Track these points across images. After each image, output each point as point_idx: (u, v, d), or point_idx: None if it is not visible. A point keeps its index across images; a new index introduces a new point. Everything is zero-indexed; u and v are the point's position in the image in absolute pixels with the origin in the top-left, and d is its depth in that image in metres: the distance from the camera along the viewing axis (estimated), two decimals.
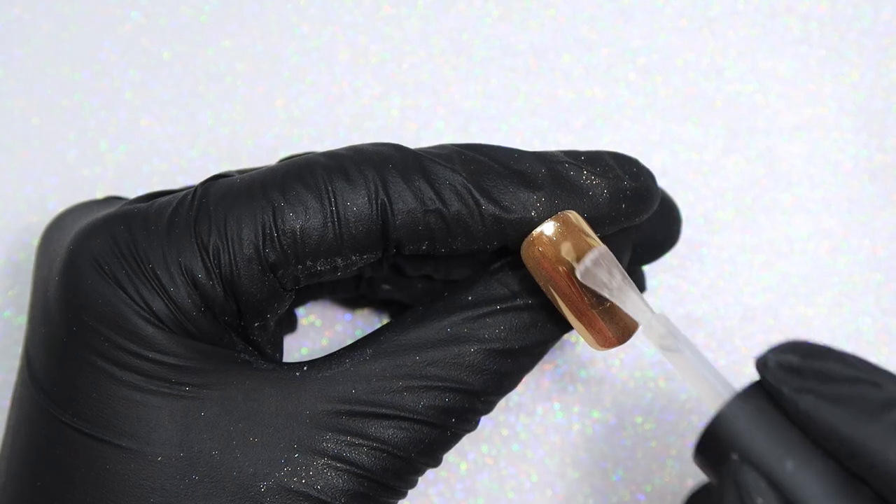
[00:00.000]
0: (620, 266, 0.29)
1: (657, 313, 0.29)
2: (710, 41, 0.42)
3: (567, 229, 0.29)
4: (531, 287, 0.30)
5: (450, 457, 0.38)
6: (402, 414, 0.28)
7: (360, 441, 0.28)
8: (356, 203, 0.28)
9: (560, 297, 0.29)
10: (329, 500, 0.28)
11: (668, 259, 0.40)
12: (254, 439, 0.28)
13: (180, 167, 0.40)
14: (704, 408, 0.39)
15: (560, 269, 0.29)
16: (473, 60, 0.41)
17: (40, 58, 0.40)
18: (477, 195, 0.29)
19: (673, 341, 0.28)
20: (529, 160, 0.30)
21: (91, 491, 0.27)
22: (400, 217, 0.28)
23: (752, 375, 0.39)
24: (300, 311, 0.39)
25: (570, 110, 0.41)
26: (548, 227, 0.29)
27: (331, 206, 0.28)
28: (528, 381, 0.39)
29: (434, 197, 0.28)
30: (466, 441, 0.38)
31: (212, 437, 0.28)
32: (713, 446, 0.26)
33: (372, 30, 0.41)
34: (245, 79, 0.41)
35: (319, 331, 0.38)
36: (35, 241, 0.39)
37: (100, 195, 0.39)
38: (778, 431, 0.25)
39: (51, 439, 0.28)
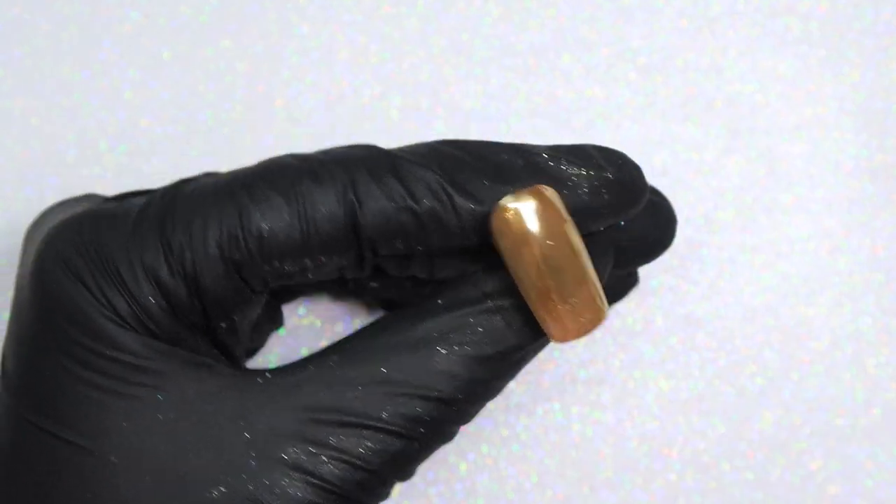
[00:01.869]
0: None
1: None
2: (710, 41, 0.42)
3: (541, 204, 0.27)
4: (506, 289, 0.29)
5: (450, 457, 0.38)
6: (367, 422, 0.28)
7: (321, 450, 0.27)
8: (324, 202, 0.28)
9: (524, 277, 0.28)
10: None
11: (668, 259, 0.40)
12: (209, 444, 0.27)
13: (180, 167, 0.40)
14: (705, 407, 0.39)
15: (526, 247, 0.27)
16: (473, 60, 0.41)
17: (40, 58, 0.40)
18: (450, 190, 0.28)
19: None
20: (507, 152, 0.29)
21: (51, 490, 0.27)
22: (370, 216, 0.28)
23: (752, 375, 0.39)
24: (300, 311, 0.39)
25: (570, 110, 0.41)
26: (518, 199, 0.28)
27: (298, 205, 0.28)
28: (528, 381, 0.39)
29: (405, 194, 0.28)
30: (466, 441, 0.38)
31: (166, 440, 0.27)
32: None
33: (372, 30, 0.41)
34: (245, 79, 0.41)
35: (319, 331, 0.38)
36: None
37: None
38: None
39: (17, 437, 0.28)
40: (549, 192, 0.28)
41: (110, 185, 0.39)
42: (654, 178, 0.40)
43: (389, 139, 0.40)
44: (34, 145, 0.40)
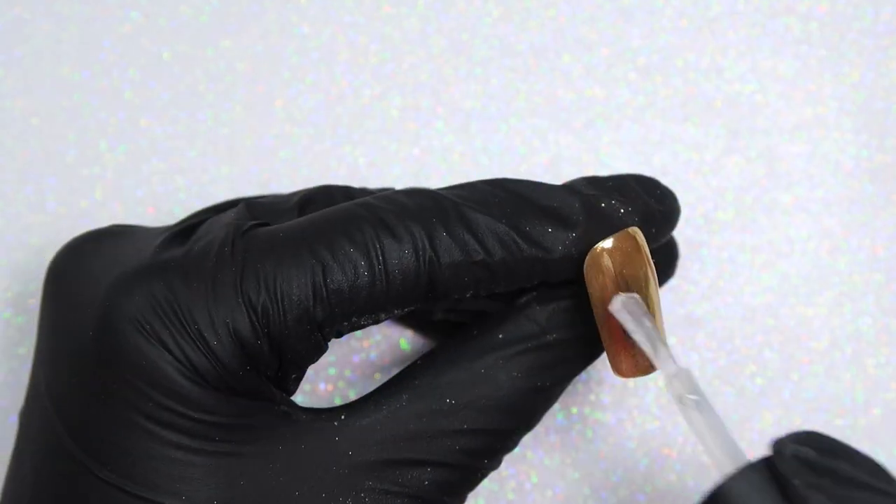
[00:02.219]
0: (649, 315, 0.29)
1: (681, 368, 0.29)
2: (710, 41, 0.42)
3: (633, 248, 0.29)
4: (559, 322, 0.30)
5: None
6: (437, 459, 0.29)
7: (396, 489, 0.28)
8: (403, 260, 0.28)
9: (608, 317, 0.29)
10: None
11: None
12: (295, 493, 0.28)
13: (180, 167, 0.40)
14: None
15: (615, 288, 0.29)
16: (473, 60, 0.41)
17: (40, 58, 0.40)
18: (519, 240, 0.29)
19: (691, 400, 0.28)
20: (561, 195, 0.30)
21: None
22: (448, 271, 0.29)
23: (752, 376, 0.39)
24: None
25: (570, 110, 0.41)
26: (611, 242, 0.29)
27: (379, 264, 0.28)
28: None
29: (479, 248, 0.29)
30: None
31: (255, 492, 0.27)
32: None
33: (372, 30, 0.41)
34: (245, 79, 0.41)
35: None
36: (35, 241, 0.39)
37: (99, 195, 0.39)
38: None
39: (87, 495, 0.27)
40: (639, 236, 0.29)
41: (109, 186, 0.39)
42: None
43: (389, 139, 0.40)
44: (34, 145, 0.40)
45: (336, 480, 0.28)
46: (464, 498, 0.30)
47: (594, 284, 0.29)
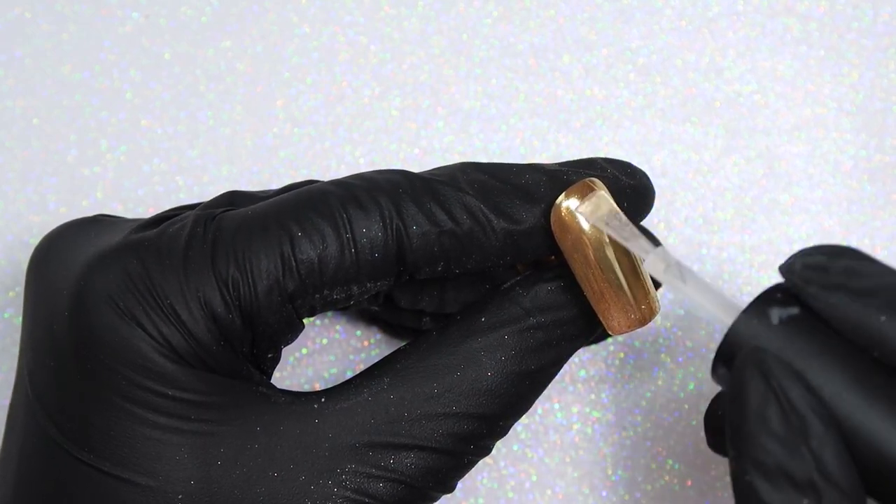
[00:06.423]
0: (620, 211, 0.29)
1: (658, 247, 0.28)
2: (710, 41, 0.42)
3: (594, 196, 0.29)
4: (544, 304, 0.30)
5: None
6: (420, 443, 0.28)
7: (379, 473, 0.28)
8: (371, 229, 0.28)
9: (584, 270, 0.29)
10: None
11: None
12: (274, 474, 0.28)
13: (180, 167, 0.40)
14: (705, 406, 0.39)
15: (584, 239, 0.29)
16: (473, 60, 0.41)
17: (40, 58, 0.40)
18: (487, 211, 0.29)
19: (677, 272, 0.28)
20: (528, 172, 0.30)
21: None
22: (415, 240, 0.29)
23: None
24: None
25: (570, 110, 0.41)
26: (572, 195, 0.29)
27: (347, 233, 0.28)
28: None
29: (446, 218, 0.29)
30: None
31: (232, 473, 0.27)
32: (733, 353, 0.25)
33: (372, 30, 0.41)
34: (245, 79, 0.41)
35: (319, 331, 0.38)
36: (35, 241, 0.39)
37: (100, 195, 0.39)
38: (799, 328, 0.25)
39: (66, 476, 0.27)
40: (598, 183, 0.29)
41: (110, 185, 0.39)
42: (653, 178, 0.40)
43: (389, 139, 0.40)
44: (35, 145, 0.40)
45: (316, 463, 0.28)
46: (452, 485, 0.30)
47: (566, 242, 0.29)
